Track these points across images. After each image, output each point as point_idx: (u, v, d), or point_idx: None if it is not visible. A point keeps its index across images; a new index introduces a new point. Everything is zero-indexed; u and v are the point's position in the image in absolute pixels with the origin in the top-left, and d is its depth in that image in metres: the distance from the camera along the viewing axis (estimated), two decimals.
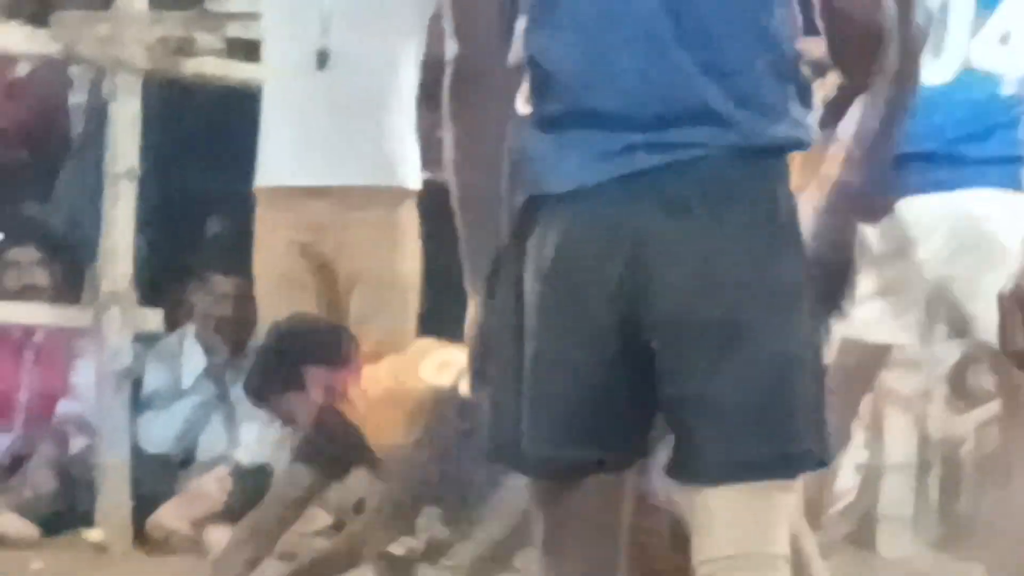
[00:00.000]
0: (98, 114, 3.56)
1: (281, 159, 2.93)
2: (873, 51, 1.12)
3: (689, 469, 1.07)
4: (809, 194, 1.29)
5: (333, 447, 2.81)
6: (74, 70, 3.58)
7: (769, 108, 1.05)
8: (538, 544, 1.17)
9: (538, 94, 1.08)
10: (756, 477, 1.06)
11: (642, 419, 1.11)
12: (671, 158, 1.02)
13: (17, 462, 3.59)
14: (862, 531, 3.63)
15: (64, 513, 3.61)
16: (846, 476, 3.50)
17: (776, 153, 1.07)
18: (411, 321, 3.07)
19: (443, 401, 2.57)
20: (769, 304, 1.05)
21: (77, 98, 3.70)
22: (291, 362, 2.79)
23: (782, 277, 1.06)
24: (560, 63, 1.06)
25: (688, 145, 1.02)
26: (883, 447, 3.52)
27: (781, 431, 1.06)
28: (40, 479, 3.55)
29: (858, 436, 3.39)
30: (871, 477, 3.50)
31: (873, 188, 1.37)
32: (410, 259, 3.03)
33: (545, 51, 1.07)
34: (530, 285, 1.08)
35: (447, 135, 1.12)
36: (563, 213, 1.05)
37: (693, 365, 1.05)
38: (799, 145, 1.09)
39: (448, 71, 1.11)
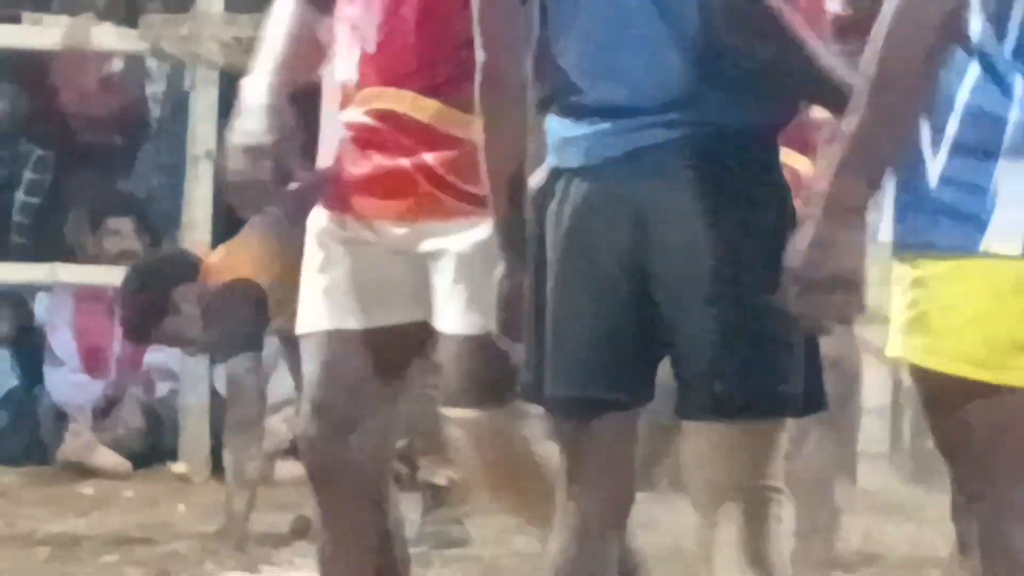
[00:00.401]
0: (175, 102, 4.09)
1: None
2: None
3: (687, 407, 1.23)
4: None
5: (239, 309, 3.39)
6: (152, 63, 4.10)
7: (743, 95, 1.25)
8: (560, 477, 1.31)
9: (554, 87, 1.28)
10: (744, 416, 1.21)
11: (649, 363, 1.26)
12: (665, 137, 1.23)
13: (111, 405, 4.19)
14: (845, 465, 4.20)
15: (151, 449, 4.20)
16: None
17: (752, 133, 1.25)
18: None
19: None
20: (751, 261, 1.20)
21: (155, 88, 4.22)
22: (157, 293, 3.37)
23: (763, 238, 1.21)
24: (575, 63, 1.26)
25: (680, 125, 1.22)
26: (862, 393, 4.04)
27: (766, 375, 1.20)
28: (131, 420, 4.16)
29: None
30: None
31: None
32: None
33: (563, 54, 1.26)
34: (551, 247, 1.25)
35: (479, 125, 1.33)
36: (578, 185, 1.24)
37: (687, 314, 1.21)
38: (771, 127, 1.29)
39: (477, 75, 1.31)
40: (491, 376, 1.54)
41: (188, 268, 3.54)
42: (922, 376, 1.13)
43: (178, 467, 4.07)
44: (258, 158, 1.59)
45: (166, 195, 4.16)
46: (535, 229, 1.29)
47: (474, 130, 1.37)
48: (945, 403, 1.14)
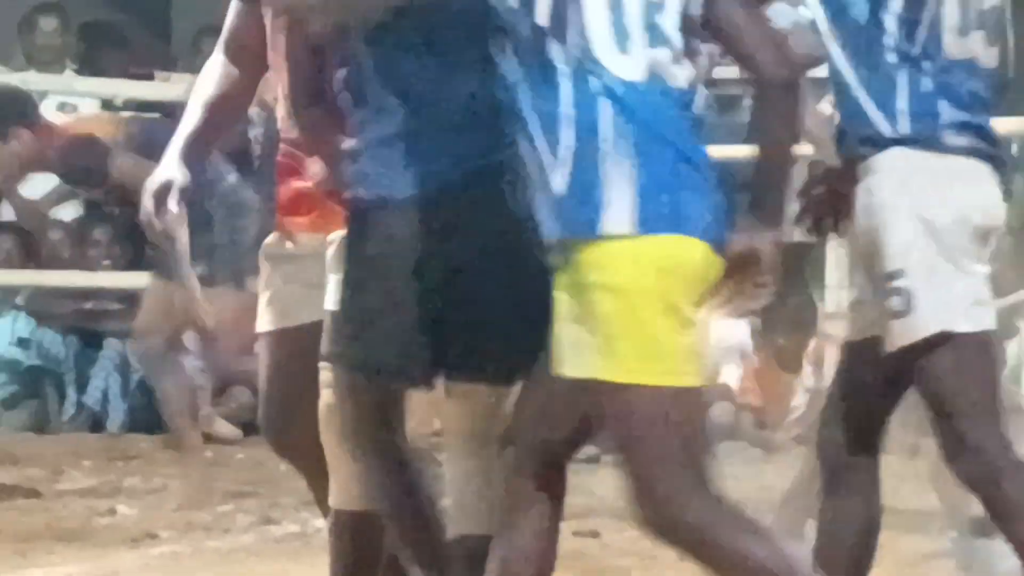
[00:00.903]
0: (270, 143, 4.98)
1: None
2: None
3: (461, 373, 1.59)
4: None
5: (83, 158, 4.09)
6: (253, 111, 4.99)
7: (496, 136, 1.54)
8: (346, 428, 1.62)
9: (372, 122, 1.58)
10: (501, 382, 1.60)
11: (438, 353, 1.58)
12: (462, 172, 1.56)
13: (226, 385, 5.21)
14: (809, 434, 4.71)
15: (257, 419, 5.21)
16: (799, 395, 4.77)
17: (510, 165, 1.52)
18: None
19: None
20: (511, 268, 1.53)
21: (256, 131, 5.12)
22: None
23: (523, 252, 1.51)
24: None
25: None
26: (823, 375, 4.54)
27: (517, 352, 1.56)
28: (241, 396, 5.12)
29: (807, 368, 4.74)
30: (815, 396, 4.48)
31: None
32: None
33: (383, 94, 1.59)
34: (369, 261, 1.56)
35: None
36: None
37: (466, 308, 1.54)
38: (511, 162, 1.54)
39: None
40: None
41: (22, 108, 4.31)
42: None
43: None
44: (159, 199, 1.90)
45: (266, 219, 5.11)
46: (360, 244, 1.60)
47: None
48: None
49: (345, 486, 1.75)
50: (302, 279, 1.81)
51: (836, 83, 1.84)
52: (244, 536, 3.53)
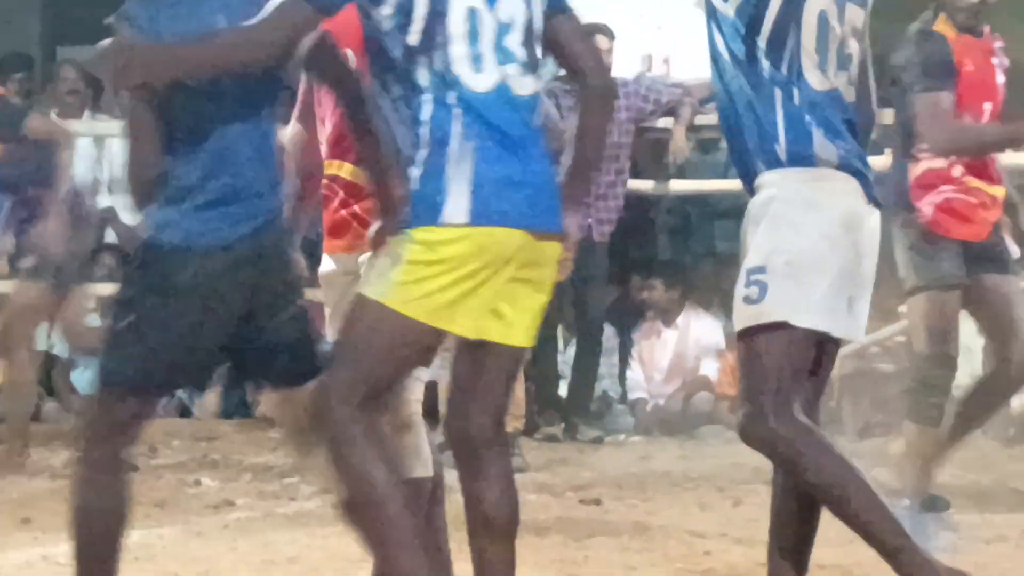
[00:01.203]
0: None
1: None
2: None
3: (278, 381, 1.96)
4: None
5: None
6: None
7: (269, 194, 1.86)
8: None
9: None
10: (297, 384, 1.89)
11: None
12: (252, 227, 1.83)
13: None
14: None
15: None
16: None
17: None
18: None
19: None
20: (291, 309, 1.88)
21: None
22: None
23: (296, 289, 1.92)
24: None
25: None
26: None
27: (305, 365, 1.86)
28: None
29: None
30: None
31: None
32: None
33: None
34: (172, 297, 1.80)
35: None
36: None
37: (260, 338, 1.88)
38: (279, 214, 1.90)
39: None
40: None
41: None
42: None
43: None
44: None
45: None
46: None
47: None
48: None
49: None
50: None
51: (726, 106, 2.02)
52: (307, 503, 3.87)
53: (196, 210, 1.82)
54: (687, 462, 4.66)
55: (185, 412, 5.82)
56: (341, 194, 2.12)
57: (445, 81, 1.78)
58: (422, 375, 2.16)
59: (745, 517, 3.42)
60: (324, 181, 2.16)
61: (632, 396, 5.65)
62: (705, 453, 4.78)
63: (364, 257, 1.99)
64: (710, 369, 5.51)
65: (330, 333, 2.08)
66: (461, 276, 1.76)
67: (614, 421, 5.54)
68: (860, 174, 1.96)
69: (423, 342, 1.85)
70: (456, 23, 1.77)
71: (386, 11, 1.78)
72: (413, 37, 1.77)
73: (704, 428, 5.29)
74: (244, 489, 4.23)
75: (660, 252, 6.07)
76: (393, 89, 1.82)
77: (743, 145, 2.00)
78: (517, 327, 1.86)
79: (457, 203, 1.76)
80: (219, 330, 1.85)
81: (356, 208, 2.08)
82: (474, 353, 1.88)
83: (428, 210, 1.77)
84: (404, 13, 1.77)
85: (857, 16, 2.00)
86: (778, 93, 1.93)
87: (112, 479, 1.87)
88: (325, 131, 2.12)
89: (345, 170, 2.11)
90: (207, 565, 3.02)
